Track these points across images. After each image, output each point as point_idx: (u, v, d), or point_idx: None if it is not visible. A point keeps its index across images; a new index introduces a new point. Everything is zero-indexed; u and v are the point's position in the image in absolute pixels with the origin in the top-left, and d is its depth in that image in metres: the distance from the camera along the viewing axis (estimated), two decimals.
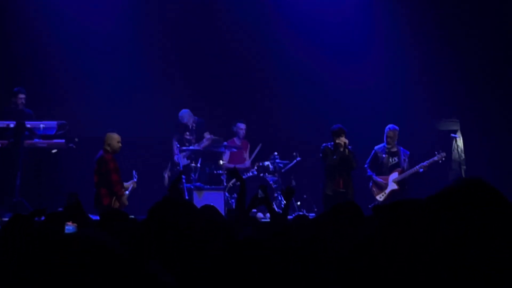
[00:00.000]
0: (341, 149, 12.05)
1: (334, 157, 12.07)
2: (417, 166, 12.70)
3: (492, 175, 12.45)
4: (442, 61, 14.55)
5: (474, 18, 14.46)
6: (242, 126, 14.47)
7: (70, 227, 5.88)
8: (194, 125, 14.15)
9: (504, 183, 12.87)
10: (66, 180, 12.67)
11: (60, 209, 6.46)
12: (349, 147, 12.13)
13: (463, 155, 13.17)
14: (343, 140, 12.05)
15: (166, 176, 13.43)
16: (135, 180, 11.99)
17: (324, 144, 12.29)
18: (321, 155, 12.30)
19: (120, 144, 11.35)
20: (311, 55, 15.16)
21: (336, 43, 15.07)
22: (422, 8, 15.00)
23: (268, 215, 7.77)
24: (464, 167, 13.25)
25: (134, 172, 12.13)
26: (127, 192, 11.45)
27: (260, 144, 14.28)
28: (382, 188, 12.83)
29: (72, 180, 12.45)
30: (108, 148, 11.26)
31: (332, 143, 12.17)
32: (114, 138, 11.33)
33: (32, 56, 14.58)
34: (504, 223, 1.89)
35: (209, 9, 15.57)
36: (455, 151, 13.31)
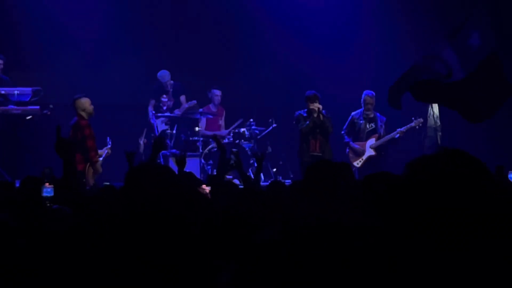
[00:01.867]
0: (315, 115, 12.03)
1: (307, 122, 12.04)
2: (394, 132, 12.73)
3: (468, 142, 12.52)
4: (419, 25, 14.52)
5: None
6: (218, 92, 14.39)
7: (48, 188, 5.87)
8: (171, 89, 14.10)
9: (480, 149, 12.96)
10: (40, 147, 12.58)
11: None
12: (323, 111, 12.10)
13: (438, 121, 13.17)
14: (316, 105, 12.02)
15: (141, 142, 13.37)
16: (109, 146, 11.94)
17: (297, 112, 12.25)
18: (294, 122, 12.29)
19: (92, 106, 11.30)
20: (288, 21, 15.08)
21: (313, 8, 15.00)
22: None
23: None
24: (440, 133, 13.27)
25: (108, 138, 12.10)
26: (100, 158, 11.39)
27: (241, 119, 14.15)
28: (359, 154, 12.84)
29: (47, 146, 12.34)
30: (83, 113, 11.18)
31: (306, 109, 12.15)
32: (86, 102, 11.28)
33: (6, 22, 14.40)
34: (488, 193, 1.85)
35: None
36: (431, 117, 13.30)
